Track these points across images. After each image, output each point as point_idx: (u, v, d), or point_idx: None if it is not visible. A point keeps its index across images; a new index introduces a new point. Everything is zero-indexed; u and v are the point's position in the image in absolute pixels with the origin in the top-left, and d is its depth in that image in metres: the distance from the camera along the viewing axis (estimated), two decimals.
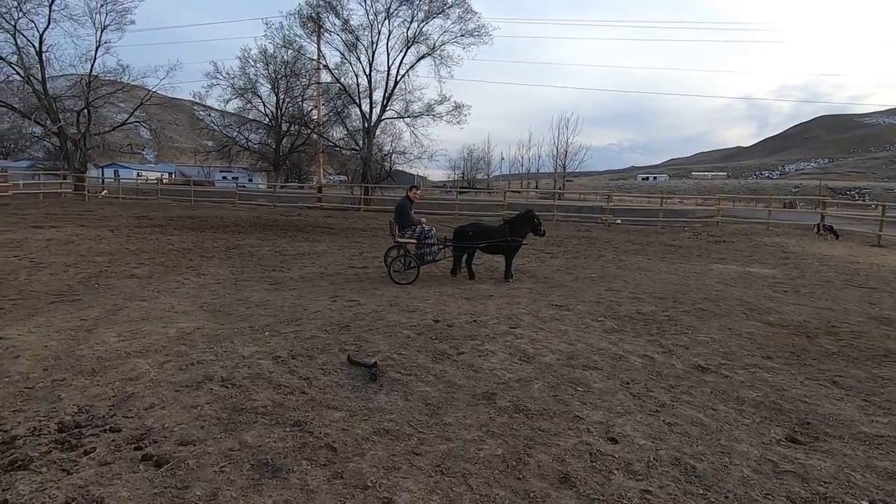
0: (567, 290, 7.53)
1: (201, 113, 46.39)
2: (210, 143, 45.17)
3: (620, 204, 31.66)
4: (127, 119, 31.48)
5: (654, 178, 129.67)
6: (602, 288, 7.76)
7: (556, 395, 3.59)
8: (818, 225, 17.75)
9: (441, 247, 8.26)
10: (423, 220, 8.48)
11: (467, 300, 6.62)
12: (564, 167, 59.18)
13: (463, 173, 76.69)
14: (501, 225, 8.47)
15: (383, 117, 27.01)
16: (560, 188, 50.38)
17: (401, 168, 30.09)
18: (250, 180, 58.12)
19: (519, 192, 45.56)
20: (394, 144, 28.14)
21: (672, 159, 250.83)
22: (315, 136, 29.94)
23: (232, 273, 8.14)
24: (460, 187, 60.19)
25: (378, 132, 28.23)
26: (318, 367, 3.96)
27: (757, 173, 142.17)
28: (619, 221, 22.19)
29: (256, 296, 6.56)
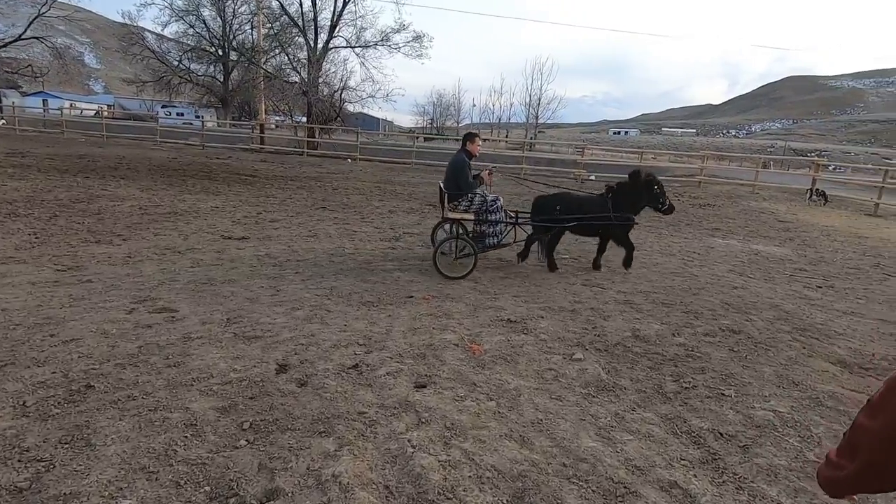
0: (528, 284, 5.12)
1: (137, 37, 40.32)
2: (151, 73, 39.58)
3: (594, 158, 29.33)
4: (21, 34, 26.19)
5: (626, 132, 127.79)
6: (578, 280, 5.39)
7: None
8: (810, 190, 16.00)
9: (510, 225, 5.62)
10: (486, 173, 5.74)
11: (368, 308, 4.11)
12: (537, 117, 55.93)
13: (432, 119, 72.54)
14: (602, 195, 5.75)
15: (330, 45, 23.04)
16: (532, 138, 47.47)
17: (352, 107, 26.40)
18: (198, 117, 52.69)
19: (485, 140, 42.41)
20: (344, 80, 24.40)
21: (644, 114, 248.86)
22: (253, 65, 25.72)
23: (17, 247, 5.30)
24: (426, 134, 56.28)
25: (327, 66, 24.37)
26: None
27: (725, 131, 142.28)
28: (593, 178, 19.88)
29: (1, 296, 3.84)
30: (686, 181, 20.21)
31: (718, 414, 2.79)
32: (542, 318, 4.14)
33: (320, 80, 23.32)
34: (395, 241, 6.74)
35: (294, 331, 3.51)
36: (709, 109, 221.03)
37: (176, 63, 34.50)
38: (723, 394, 3.02)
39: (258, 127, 26.67)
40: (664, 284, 5.39)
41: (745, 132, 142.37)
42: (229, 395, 2.62)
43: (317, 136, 24.07)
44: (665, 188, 5.88)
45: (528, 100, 55.47)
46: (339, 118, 24.38)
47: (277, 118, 43.80)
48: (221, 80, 38.36)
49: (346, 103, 24.53)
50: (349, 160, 20.99)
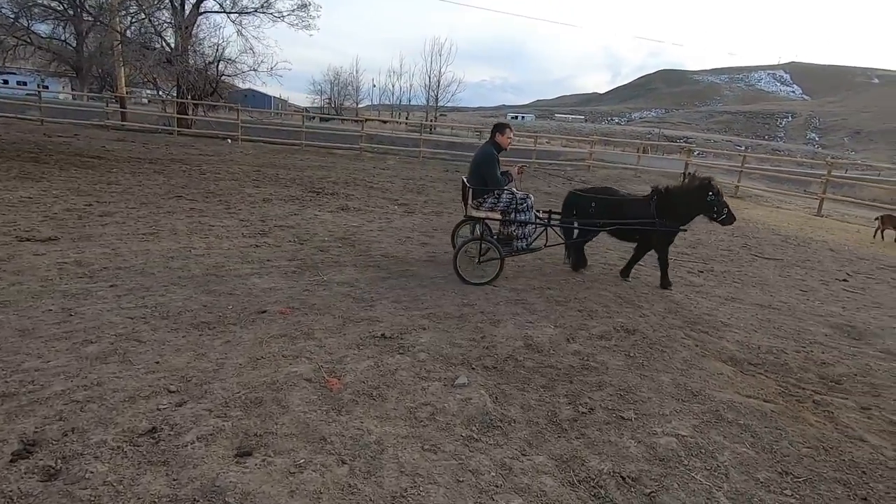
0: (413, 286, 4.46)
1: None
2: None
3: None
4: None
5: (523, 117, 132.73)
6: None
7: None
8: (684, 174, 17.39)
9: (541, 226, 4.92)
10: (516, 168, 5.02)
11: (200, 332, 3.17)
12: (437, 99, 55.49)
13: (330, 99, 69.02)
14: (647, 197, 5.02)
15: (201, 9, 20.27)
16: (432, 121, 46.95)
17: (235, 81, 23.70)
18: (44, 87, 44.69)
19: (385, 121, 41.13)
20: (220, 50, 21.68)
21: (539, 100, 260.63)
22: (106, 26, 21.92)
23: None
24: (322, 114, 53.23)
25: (198, 32, 21.43)
26: None
27: (609, 119, 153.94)
28: None
29: None
30: (577, 165, 21.00)
31: (619, 447, 2.35)
32: (424, 329, 3.50)
33: (191, 48, 20.47)
34: (262, 238, 5.71)
35: (73, 379, 2.50)
36: (595, 98, 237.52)
37: (11, 21, 28.51)
38: (622, 417, 2.61)
39: (117, 100, 22.95)
40: (558, 279, 5.06)
41: (626, 119, 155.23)
42: None
43: (190, 112, 21.26)
44: (723, 195, 5.06)
45: (427, 82, 54.79)
46: (215, 92, 21.69)
47: (149, 92, 38.58)
48: (74, 44, 32.68)
49: (223, 76, 21.88)
50: (229, 140, 18.80)
